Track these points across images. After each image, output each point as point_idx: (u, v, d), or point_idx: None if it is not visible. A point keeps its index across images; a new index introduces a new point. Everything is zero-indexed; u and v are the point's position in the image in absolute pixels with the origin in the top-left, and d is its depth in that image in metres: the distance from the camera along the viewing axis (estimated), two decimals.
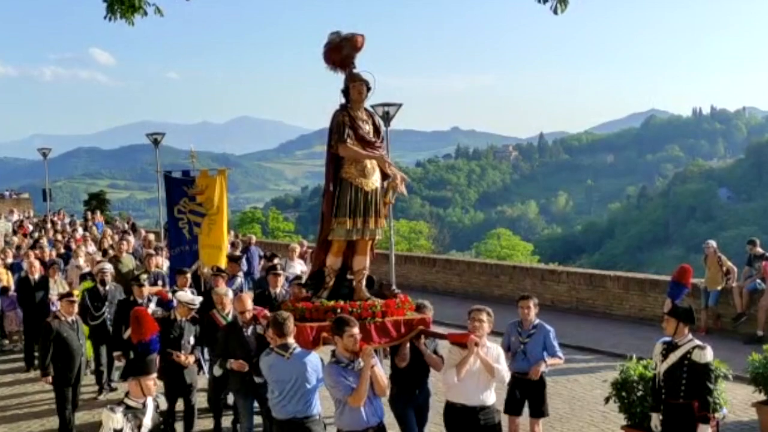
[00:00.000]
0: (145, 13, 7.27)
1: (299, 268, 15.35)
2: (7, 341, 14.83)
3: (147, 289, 10.73)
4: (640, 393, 7.71)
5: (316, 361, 6.45)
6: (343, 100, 7.22)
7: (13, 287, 14.49)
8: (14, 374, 12.97)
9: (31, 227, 27.60)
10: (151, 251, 15.45)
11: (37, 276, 13.44)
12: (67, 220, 29.15)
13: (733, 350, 11.43)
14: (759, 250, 13.81)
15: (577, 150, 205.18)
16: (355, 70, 7.17)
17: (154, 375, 5.73)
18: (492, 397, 6.75)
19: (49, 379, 9.34)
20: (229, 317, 9.05)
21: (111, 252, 17.16)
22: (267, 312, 8.14)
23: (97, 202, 48.15)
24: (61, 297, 9.92)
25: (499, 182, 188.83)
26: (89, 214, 32.28)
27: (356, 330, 6.14)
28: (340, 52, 7.14)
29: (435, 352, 7.37)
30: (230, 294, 9.60)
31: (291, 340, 6.44)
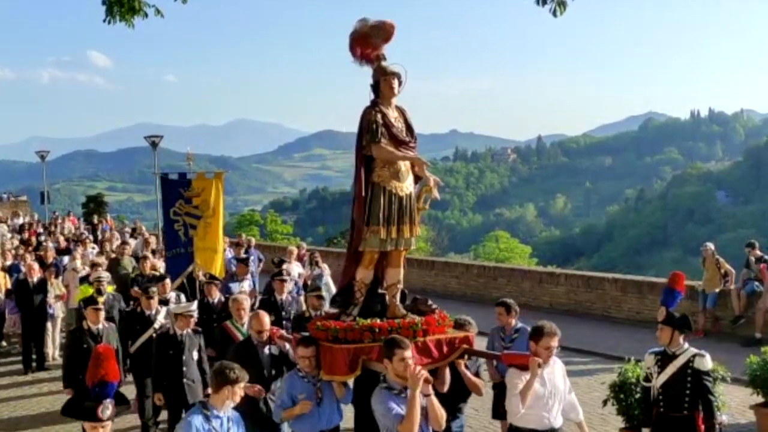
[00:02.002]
0: (146, 15, 7.20)
1: (297, 270, 15.28)
2: (5, 343, 14.79)
3: (156, 301, 9.91)
4: (638, 395, 7.71)
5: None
6: (372, 96, 6.53)
7: (10, 289, 14.45)
8: (11, 377, 12.93)
9: (41, 229, 27.53)
10: (147, 253, 15.42)
11: (36, 278, 13.41)
12: (69, 224, 28.93)
13: (731, 352, 11.44)
14: (758, 252, 13.83)
15: (575, 153, 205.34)
16: (384, 62, 6.46)
17: (105, 423, 4.68)
18: (560, 419, 6.05)
19: (72, 391, 8.66)
20: (244, 329, 8.27)
21: (112, 254, 17.15)
22: (283, 332, 7.40)
23: (95, 204, 48.12)
24: (86, 304, 9.22)
25: (498, 185, 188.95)
26: (96, 217, 32.21)
27: (409, 353, 5.48)
28: (368, 41, 6.40)
29: (477, 374, 6.70)
30: (248, 301, 8.83)
31: (222, 403, 5.16)
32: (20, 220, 31.97)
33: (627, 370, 8.01)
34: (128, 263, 15.70)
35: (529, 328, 7.73)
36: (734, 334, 13.48)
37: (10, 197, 48.87)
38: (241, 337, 8.11)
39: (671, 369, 6.39)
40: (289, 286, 10.70)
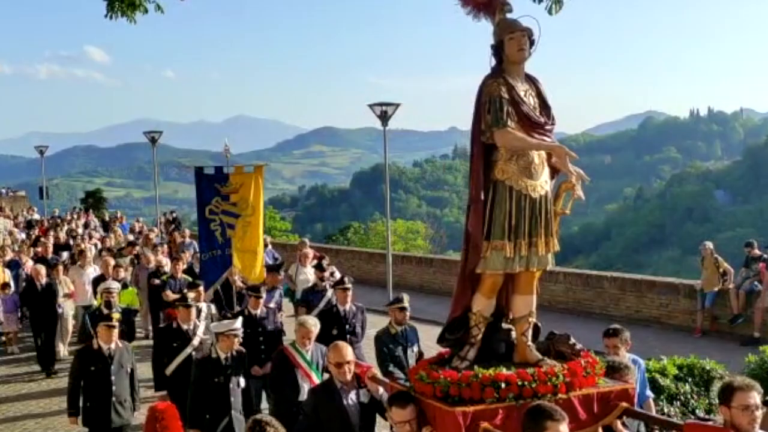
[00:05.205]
0: (146, 11, 7.22)
1: (311, 277, 13.63)
2: (4, 338, 14.68)
3: (195, 311, 8.77)
4: None
5: None
6: (493, 62, 4.95)
7: (12, 287, 14.29)
8: (11, 375, 12.87)
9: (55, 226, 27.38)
10: (159, 255, 15.15)
11: (43, 281, 13.05)
12: (82, 221, 28.77)
13: (730, 351, 11.48)
14: (757, 252, 13.86)
15: (574, 151, 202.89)
16: (509, 16, 4.95)
17: None
18: None
19: (76, 420, 7.73)
20: (308, 355, 7.06)
21: (105, 253, 17.08)
22: (376, 372, 5.74)
23: (94, 200, 48.07)
24: (99, 319, 8.20)
25: None
26: (106, 212, 32.10)
27: (564, 427, 3.84)
28: None
29: None
30: (317, 325, 7.38)
31: None
32: (35, 216, 31.75)
33: None
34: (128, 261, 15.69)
35: (642, 362, 6.20)
36: (733, 333, 13.50)
37: (9, 192, 48.79)
38: (303, 364, 6.99)
39: None
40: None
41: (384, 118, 18.15)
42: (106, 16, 7.17)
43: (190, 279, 12.43)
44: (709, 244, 14.56)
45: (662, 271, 59.49)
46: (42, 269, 13.36)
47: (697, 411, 7.96)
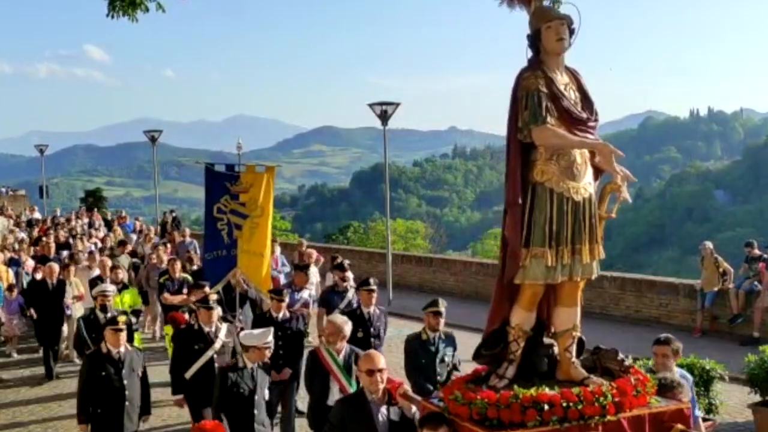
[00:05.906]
0: (147, 9, 7.24)
1: (315, 278, 13.84)
2: (2, 337, 14.58)
3: (218, 313, 8.29)
4: None
5: None
6: (529, 54, 4.63)
7: (16, 288, 14.07)
8: (12, 377, 12.73)
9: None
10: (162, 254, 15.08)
11: (55, 280, 12.71)
12: (86, 220, 28.68)
13: (729, 351, 11.48)
14: (756, 252, 13.87)
15: None
16: (545, 3, 4.74)
17: None
18: None
19: (87, 427, 7.34)
20: (340, 359, 6.75)
21: (106, 252, 17.07)
22: (407, 389, 5.19)
23: (93, 199, 48.09)
24: (106, 323, 7.74)
25: (496, 182, 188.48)
26: (108, 213, 31.98)
27: None
28: None
29: None
30: (348, 324, 7.07)
31: None
32: (36, 215, 31.68)
33: None
34: (124, 261, 15.64)
35: (690, 378, 5.85)
36: (732, 333, 13.50)
37: (8, 191, 48.78)
38: (335, 368, 6.70)
39: None
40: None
41: (384, 117, 18.19)
42: (107, 15, 7.20)
43: (190, 279, 12.24)
44: (709, 244, 14.58)
45: (662, 271, 59.57)
46: (56, 267, 13.08)
47: (696, 411, 7.95)
